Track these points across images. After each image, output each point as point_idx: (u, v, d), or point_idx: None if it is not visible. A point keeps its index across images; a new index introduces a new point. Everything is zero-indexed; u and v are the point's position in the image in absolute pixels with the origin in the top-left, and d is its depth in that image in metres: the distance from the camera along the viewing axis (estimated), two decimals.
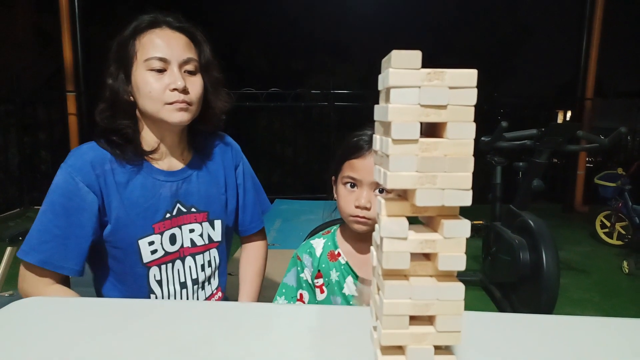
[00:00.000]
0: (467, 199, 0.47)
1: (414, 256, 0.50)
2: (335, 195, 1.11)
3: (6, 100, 5.36)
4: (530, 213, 2.61)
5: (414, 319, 0.50)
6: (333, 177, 1.12)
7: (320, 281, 1.12)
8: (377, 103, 0.55)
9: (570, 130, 2.66)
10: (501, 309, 2.77)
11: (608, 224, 4.28)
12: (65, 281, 1.09)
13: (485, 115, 6.17)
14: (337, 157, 1.09)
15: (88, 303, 0.90)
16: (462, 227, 0.48)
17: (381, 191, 1.01)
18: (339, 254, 1.12)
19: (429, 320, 0.51)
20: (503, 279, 2.78)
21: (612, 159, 6.28)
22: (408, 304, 0.49)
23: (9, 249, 1.85)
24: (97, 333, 0.72)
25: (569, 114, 6.65)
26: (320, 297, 1.12)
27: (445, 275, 0.50)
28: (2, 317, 0.79)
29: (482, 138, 2.75)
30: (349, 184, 1.05)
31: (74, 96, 5.18)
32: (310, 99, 6.17)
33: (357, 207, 1.02)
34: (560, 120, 6.94)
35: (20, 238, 1.07)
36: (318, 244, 1.15)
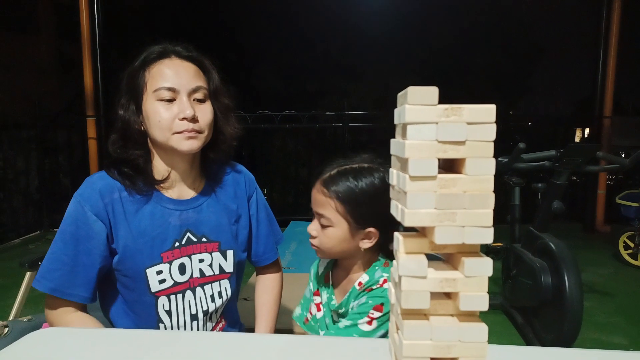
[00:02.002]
0: (488, 237, 0.46)
1: (434, 294, 0.49)
2: None
3: (28, 125, 5.50)
4: (551, 235, 2.55)
5: None
6: None
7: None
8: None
9: (590, 151, 2.62)
10: (523, 334, 2.70)
11: (632, 244, 4.16)
12: (84, 307, 1.09)
13: (502, 135, 6.11)
14: None
15: (104, 334, 0.90)
16: (484, 266, 0.47)
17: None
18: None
19: None
20: (524, 303, 2.71)
21: (634, 178, 6.14)
22: (428, 345, 0.47)
23: (28, 274, 1.86)
24: None
25: (587, 132, 6.55)
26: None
27: (467, 315, 0.49)
28: (19, 348, 0.79)
29: (500, 159, 2.71)
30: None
31: (93, 121, 5.28)
32: (324, 120, 6.18)
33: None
34: (578, 138, 6.83)
35: (39, 263, 1.07)
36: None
